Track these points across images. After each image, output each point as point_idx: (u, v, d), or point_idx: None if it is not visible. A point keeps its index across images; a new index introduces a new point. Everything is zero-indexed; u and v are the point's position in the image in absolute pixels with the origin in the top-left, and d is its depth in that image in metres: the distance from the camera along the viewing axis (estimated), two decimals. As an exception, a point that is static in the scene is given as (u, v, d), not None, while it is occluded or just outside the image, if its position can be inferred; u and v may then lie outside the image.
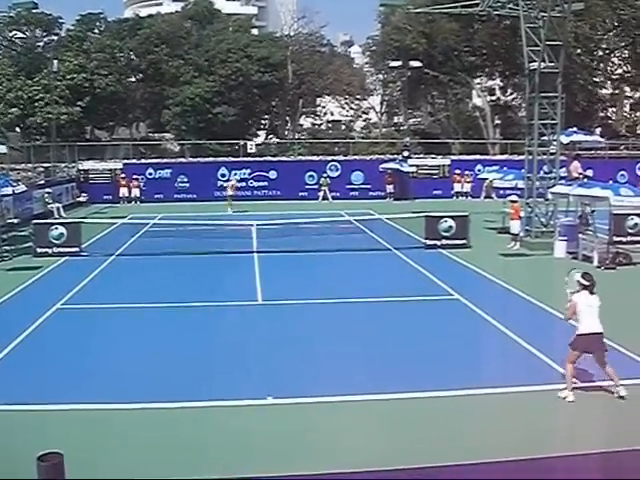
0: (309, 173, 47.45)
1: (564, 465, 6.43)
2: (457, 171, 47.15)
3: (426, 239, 26.86)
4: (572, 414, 11.16)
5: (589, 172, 30.16)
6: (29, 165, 47.02)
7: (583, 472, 6.03)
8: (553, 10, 25.89)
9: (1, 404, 11.28)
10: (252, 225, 28.98)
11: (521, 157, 31.59)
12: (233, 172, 46.94)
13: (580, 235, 24.38)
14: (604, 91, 63.91)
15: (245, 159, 49.29)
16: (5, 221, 30.22)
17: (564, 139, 28.96)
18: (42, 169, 46.40)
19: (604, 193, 22.79)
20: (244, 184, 46.53)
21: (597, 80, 61.39)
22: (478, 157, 49.97)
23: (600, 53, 60.73)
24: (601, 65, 61.56)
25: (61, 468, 4.90)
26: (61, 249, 25.62)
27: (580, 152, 32.33)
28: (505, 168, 35.12)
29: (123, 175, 46.49)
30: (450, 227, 26.81)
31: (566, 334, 15.37)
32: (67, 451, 5.22)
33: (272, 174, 47.35)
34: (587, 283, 11.63)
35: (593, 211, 24.82)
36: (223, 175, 47.02)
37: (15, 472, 8.04)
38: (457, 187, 46.84)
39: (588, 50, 58.32)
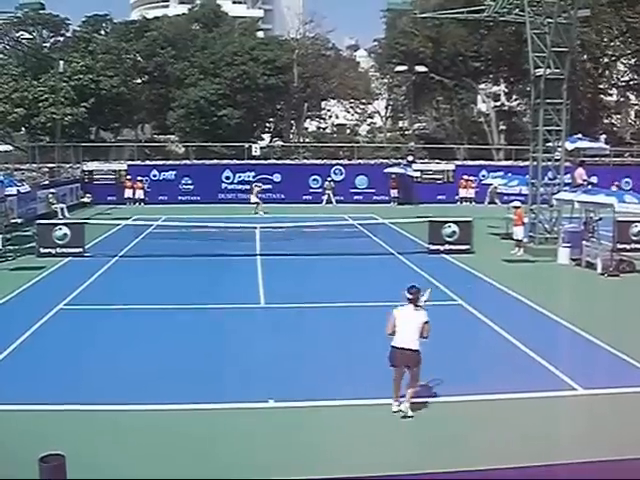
0: (313, 177, 47.48)
1: (565, 472, 6.41)
2: (463, 176, 47.10)
3: (429, 244, 26.84)
4: (576, 420, 11.15)
5: (594, 179, 30.06)
6: (34, 165, 47.11)
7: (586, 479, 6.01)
8: (559, 16, 25.91)
9: (4, 404, 11.29)
10: (255, 228, 28.98)
11: (526, 163, 31.61)
12: (238, 175, 47.01)
13: (584, 242, 24.35)
14: (609, 98, 63.87)
15: (249, 162, 49.29)
16: (9, 221, 30.29)
17: (569, 145, 28.95)
18: (47, 169, 46.46)
19: (608, 200, 22.75)
20: (248, 187, 46.54)
21: (602, 87, 61.34)
22: (482, 163, 49.97)
23: (606, 60, 60.65)
24: (607, 72, 61.48)
25: (63, 469, 4.91)
26: (64, 250, 25.64)
27: (585, 159, 32.29)
28: (509, 174, 35.13)
29: (128, 176, 46.55)
30: (454, 232, 26.79)
31: (569, 341, 15.43)
32: (69, 452, 5.22)
33: (276, 177, 47.35)
34: (410, 297, 11.22)
35: (600, 219, 24.78)
36: (227, 178, 47.09)
37: (17, 473, 8.04)
38: (462, 192, 46.79)
39: (594, 57, 58.28)
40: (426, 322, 11.08)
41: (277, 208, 41.46)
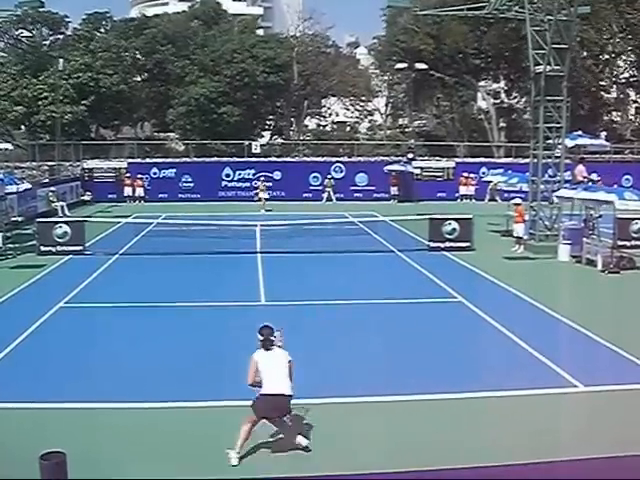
0: (313, 174, 47.48)
1: (565, 469, 6.41)
2: (464, 174, 47.10)
3: (430, 241, 26.84)
4: (577, 417, 11.15)
5: (594, 176, 30.07)
6: (34, 163, 47.10)
7: (587, 476, 6.01)
8: (559, 13, 25.92)
9: (5, 402, 11.30)
10: (256, 226, 28.98)
11: (526, 160, 31.61)
12: (238, 173, 47.07)
13: (584, 239, 24.35)
14: (609, 95, 63.80)
15: (250, 159, 49.27)
16: (9, 219, 30.29)
17: (569, 142, 28.93)
18: (47, 167, 46.49)
19: (609, 197, 22.75)
20: (248, 184, 46.60)
21: (603, 84, 61.30)
22: (483, 160, 49.99)
23: (606, 57, 60.62)
24: (607, 69, 61.45)
25: (64, 467, 4.91)
26: (65, 247, 25.65)
27: (585, 156, 32.29)
28: (510, 171, 35.12)
29: (128, 174, 46.56)
30: (454, 230, 26.79)
31: (570, 338, 15.43)
32: (69, 450, 5.22)
33: (276, 175, 47.35)
34: (261, 338, 9.97)
35: (600, 216, 24.78)
36: (227, 175, 47.12)
37: (18, 471, 8.04)
38: (462, 190, 46.78)
39: (594, 54, 58.26)
40: (290, 361, 9.89)
41: (277, 205, 41.45)
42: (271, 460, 9.54)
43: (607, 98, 63.26)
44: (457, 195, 46.70)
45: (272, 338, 9.94)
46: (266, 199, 41.76)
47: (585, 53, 56.44)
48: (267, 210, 39.93)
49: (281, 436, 9.98)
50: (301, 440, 9.81)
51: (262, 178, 44.45)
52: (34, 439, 9.64)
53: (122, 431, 10.54)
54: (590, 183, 27.03)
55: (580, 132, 31.19)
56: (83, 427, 10.56)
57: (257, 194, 42.73)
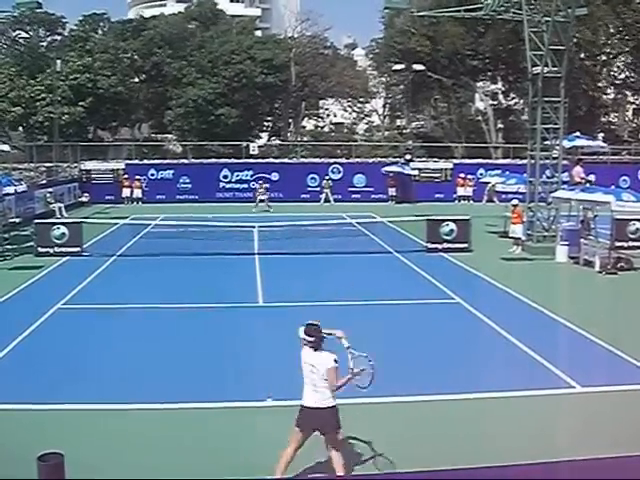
0: (311, 175, 47.51)
1: (562, 470, 6.42)
2: (461, 175, 47.13)
3: (428, 242, 26.85)
4: (574, 418, 11.15)
5: (591, 177, 30.10)
6: (31, 165, 47.09)
7: (584, 476, 6.02)
8: (557, 15, 25.92)
9: (2, 403, 11.28)
10: (254, 227, 28.98)
11: (523, 161, 31.59)
12: (236, 174, 47.14)
13: (582, 240, 24.37)
14: (607, 96, 63.90)
15: (247, 161, 49.31)
16: (7, 220, 30.24)
17: (566, 144, 28.97)
18: (44, 169, 46.46)
19: (606, 198, 22.77)
20: (246, 186, 46.65)
21: (600, 85, 61.39)
22: (480, 161, 50.06)
23: (603, 58, 60.74)
24: (604, 70, 61.56)
25: (61, 468, 4.91)
26: (62, 249, 25.63)
27: (583, 157, 32.32)
28: (507, 172, 35.16)
29: (125, 176, 46.53)
30: (452, 231, 26.80)
31: (568, 339, 15.44)
32: (67, 451, 5.22)
33: (274, 176, 47.35)
34: (310, 339, 8.79)
35: (595, 216, 24.81)
36: (225, 177, 47.11)
37: (15, 472, 8.03)
38: (460, 191, 46.81)
39: (591, 55, 58.37)
40: (330, 368, 8.58)
41: (275, 207, 41.47)
42: (270, 462, 9.53)
43: (604, 99, 63.36)
44: (455, 196, 46.73)
45: (324, 336, 8.84)
46: (261, 200, 42.02)
47: (582, 54, 56.54)
48: (266, 210, 40.14)
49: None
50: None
51: (260, 181, 44.62)
52: (32, 440, 9.63)
53: (120, 433, 10.53)
54: (588, 184, 27.05)
55: (578, 133, 31.24)
56: (81, 428, 10.55)
57: (257, 197, 42.79)
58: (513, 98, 65.57)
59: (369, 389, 8.96)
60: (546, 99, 26.76)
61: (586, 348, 14.58)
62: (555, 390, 12.04)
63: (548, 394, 11.92)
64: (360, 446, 9.90)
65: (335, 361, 8.60)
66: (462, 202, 45.74)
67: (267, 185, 44.29)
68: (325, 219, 31.92)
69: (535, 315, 17.33)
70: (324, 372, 8.52)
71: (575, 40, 45.55)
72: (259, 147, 55.79)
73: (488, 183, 37.66)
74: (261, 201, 41.91)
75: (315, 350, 8.68)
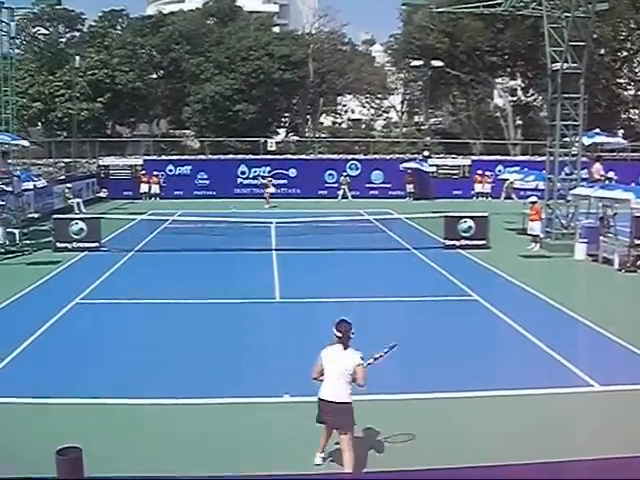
0: (329, 172, 47.47)
1: (581, 469, 6.37)
2: (479, 172, 46.93)
3: (445, 239, 26.77)
4: (592, 417, 11.07)
5: (611, 174, 29.87)
6: (50, 160, 47.38)
7: (602, 476, 5.97)
8: (577, 10, 25.73)
9: (20, 397, 11.35)
10: (271, 223, 29.00)
11: (542, 158, 31.45)
12: (254, 170, 47.18)
13: (601, 237, 24.20)
14: (627, 92, 63.40)
15: (265, 157, 49.37)
16: (26, 215, 30.45)
17: (586, 140, 28.73)
18: (63, 164, 46.75)
19: (626, 195, 22.60)
20: (264, 182, 46.74)
21: (620, 81, 60.94)
22: (499, 158, 49.81)
23: (624, 54, 60.26)
24: (625, 66, 61.07)
25: (80, 462, 4.92)
26: (81, 244, 25.76)
27: (602, 154, 32.10)
28: (526, 169, 34.96)
29: (143, 171, 46.69)
30: (470, 227, 26.70)
31: (586, 337, 15.33)
32: (85, 445, 5.23)
33: (292, 172, 47.39)
34: (339, 335, 9.11)
35: (615, 214, 24.63)
36: (243, 172, 47.17)
37: (34, 466, 8.08)
38: (478, 187, 46.59)
39: (611, 51, 57.90)
40: (359, 365, 8.95)
41: (293, 203, 41.50)
42: (287, 458, 9.53)
43: (625, 95, 62.87)
44: (472, 193, 46.52)
45: (351, 336, 9.16)
46: (271, 194, 42.15)
47: (602, 50, 56.07)
48: (272, 207, 40.03)
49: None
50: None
51: (268, 175, 44.73)
52: (50, 434, 9.67)
53: (137, 427, 10.57)
54: (607, 181, 26.86)
55: (597, 130, 30.99)
56: (98, 422, 10.60)
57: (265, 190, 42.85)
58: (532, 94, 65.20)
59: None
60: (565, 95, 26.57)
61: (605, 346, 14.48)
62: (573, 389, 11.96)
63: (566, 392, 11.84)
64: (375, 442, 9.88)
65: (362, 358, 9.01)
66: (480, 199, 45.54)
67: (274, 180, 44.40)
68: (343, 215, 31.89)
69: (553, 313, 17.23)
70: (350, 369, 8.87)
71: (595, 36, 45.14)
72: (277, 143, 55.80)
73: (506, 180, 37.46)
74: (270, 195, 42.02)
75: (344, 347, 9.03)
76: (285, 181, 47.20)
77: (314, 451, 9.44)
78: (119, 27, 63.23)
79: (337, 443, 9.21)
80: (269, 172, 46.91)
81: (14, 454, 9.35)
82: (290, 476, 8.19)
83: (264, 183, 43.49)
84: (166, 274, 22.22)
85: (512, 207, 34.26)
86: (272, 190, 42.60)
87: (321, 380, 9.12)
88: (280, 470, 8.62)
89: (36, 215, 32.65)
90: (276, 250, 25.73)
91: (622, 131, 58.28)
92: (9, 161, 28.03)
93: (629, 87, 63.30)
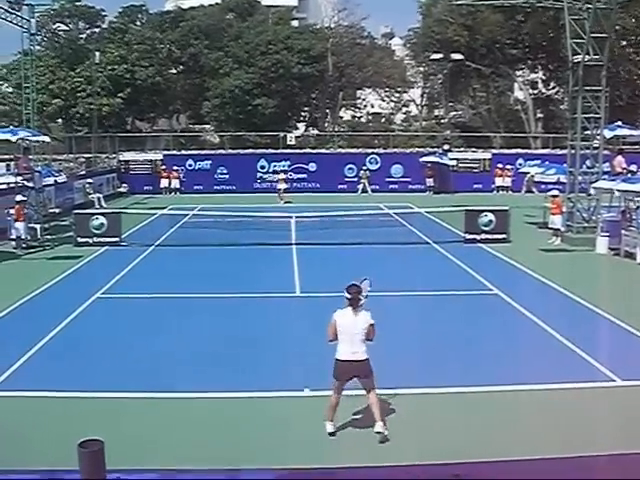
0: (349, 166, 47.42)
1: (602, 464, 6.34)
2: (499, 165, 46.67)
3: (466, 233, 26.68)
4: (614, 412, 11.00)
5: (633, 167, 29.63)
6: (71, 156, 47.68)
7: (623, 471, 5.93)
8: (598, 2, 25.51)
9: (43, 391, 11.45)
10: (291, 217, 29.02)
11: (563, 151, 31.21)
12: (274, 164, 47.22)
13: (623, 231, 24.02)
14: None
15: (285, 151, 49.38)
16: (47, 211, 30.70)
17: (608, 133, 28.54)
18: (83, 160, 47.00)
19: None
20: (284, 176, 46.84)
21: (643, 73, 60.33)
22: (519, 151, 49.55)
23: (646, 45, 59.66)
24: (647, 58, 60.47)
25: (102, 455, 4.95)
26: (101, 239, 25.90)
27: (624, 147, 31.86)
28: (547, 162, 34.76)
29: (163, 166, 46.86)
30: (490, 221, 26.59)
31: (608, 331, 15.24)
32: (106, 438, 5.26)
33: (311, 166, 47.39)
34: (349, 296, 9.96)
35: (638, 207, 24.42)
36: (263, 167, 47.21)
37: (56, 458, 8.14)
38: (499, 181, 46.34)
39: (633, 42, 57.33)
40: (371, 325, 9.97)
41: (312, 197, 41.49)
42: (307, 451, 9.54)
43: (647, 88, 62.26)
44: (493, 187, 46.27)
45: (361, 298, 10.04)
46: (285, 190, 41.99)
47: (624, 42, 55.56)
48: (286, 202, 39.84)
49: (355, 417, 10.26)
50: (382, 428, 9.70)
51: (282, 171, 44.80)
52: (72, 427, 9.75)
53: (159, 419, 10.63)
54: (629, 174, 26.64)
55: (619, 123, 30.76)
56: (120, 416, 10.67)
57: (278, 186, 42.55)
58: (553, 87, 64.72)
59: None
60: (587, 88, 26.38)
61: (627, 341, 14.37)
62: (595, 383, 11.88)
63: (588, 387, 11.77)
64: (394, 436, 9.87)
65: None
66: (501, 192, 45.30)
67: (285, 176, 44.27)
68: (363, 209, 31.86)
69: (574, 307, 17.13)
70: (364, 328, 9.86)
71: (617, 27, 44.74)
72: (296, 137, 55.80)
73: (527, 173, 37.26)
74: (284, 191, 41.78)
75: (354, 309, 9.90)
76: (305, 175, 47.21)
77: (332, 445, 9.45)
78: (138, 23, 63.44)
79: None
80: (289, 166, 47.01)
81: (36, 447, 9.44)
82: (305, 471, 8.23)
83: (279, 179, 43.15)
84: (186, 269, 22.29)
85: (533, 201, 34.08)
86: (284, 186, 42.24)
87: (336, 342, 9.87)
88: (298, 464, 8.64)
89: (57, 210, 32.89)
90: (296, 244, 25.74)
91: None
92: (30, 157, 28.23)
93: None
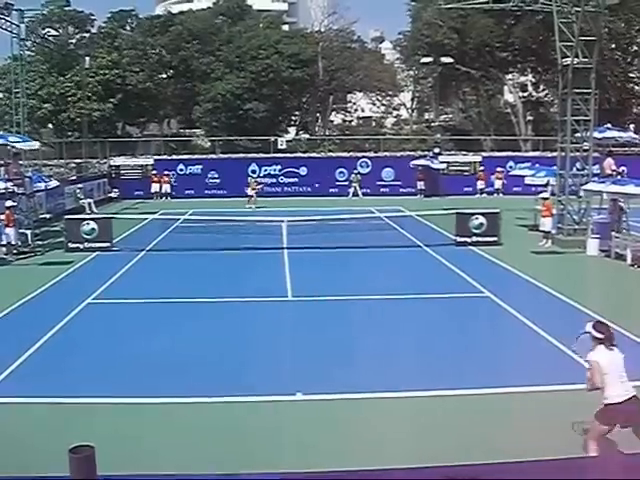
0: (339, 169, 47.48)
1: (596, 466, 6.35)
2: (481, 168, 46.92)
3: (457, 236, 26.73)
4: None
5: (623, 169, 29.70)
6: (61, 161, 47.54)
7: (616, 472, 5.94)
8: (587, 5, 25.60)
9: (34, 397, 11.41)
10: (282, 221, 29.02)
11: (553, 154, 31.31)
12: (264, 169, 47.22)
13: (613, 233, 24.09)
14: (638, 87, 63.05)
15: (275, 155, 49.38)
16: (38, 216, 30.60)
17: (597, 135, 28.60)
18: (74, 165, 46.89)
19: (638, 190, 22.49)
20: (274, 180, 46.82)
21: (632, 76, 60.57)
22: (510, 154, 49.62)
23: (635, 48, 59.88)
24: (635, 60, 60.72)
25: (93, 460, 4.93)
26: (92, 244, 25.85)
27: (614, 149, 31.94)
28: (537, 165, 34.84)
29: (154, 171, 46.79)
30: (481, 224, 26.65)
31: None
32: (97, 443, 5.24)
33: (302, 170, 47.44)
34: (601, 336, 8.95)
35: (621, 209, 24.47)
36: (254, 171, 47.17)
37: (47, 464, 8.11)
38: (480, 184, 46.46)
39: (622, 45, 57.57)
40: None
41: (304, 201, 41.50)
42: (299, 455, 9.53)
43: (636, 90, 62.50)
44: (477, 189, 46.32)
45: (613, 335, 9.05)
46: (251, 196, 40.94)
47: (613, 45, 55.78)
48: (257, 207, 38.97)
49: None
50: None
51: (254, 176, 44.83)
52: (62, 433, 9.71)
53: (149, 425, 10.61)
54: (619, 176, 26.73)
55: (609, 125, 30.84)
56: (110, 421, 10.64)
57: (250, 190, 41.67)
58: (543, 90, 64.90)
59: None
60: (576, 91, 26.47)
61: (618, 342, 14.35)
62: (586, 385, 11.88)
63: (579, 389, 11.77)
64: (386, 439, 9.87)
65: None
66: (482, 195, 45.35)
67: (259, 180, 44.01)
68: (354, 213, 31.88)
69: (566, 309, 17.17)
70: (623, 364, 8.91)
71: (606, 30, 44.99)
72: (287, 142, 55.77)
73: (519, 176, 37.35)
74: (252, 195, 40.90)
75: (609, 347, 8.96)
76: (296, 179, 47.27)
77: (326, 449, 9.44)
78: (128, 27, 63.31)
79: None
80: (280, 170, 47.08)
81: (27, 453, 9.39)
82: (298, 474, 8.22)
83: (250, 185, 42.09)
84: (178, 273, 22.28)
85: (523, 203, 34.16)
86: (253, 192, 41.15)
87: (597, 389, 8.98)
88: (291, 468, 8.64)
89: (48, 216, 32.80)
90: (287, 248, 25.74)
91: (633, 125, 57.95)
92: (20, 162, 28.14)
93: (640, 82, 63.00)
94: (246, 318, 16.86)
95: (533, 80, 65.64)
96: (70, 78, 54.41)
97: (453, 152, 51.29)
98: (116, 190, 46.21)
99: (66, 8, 58.12)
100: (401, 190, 46.75)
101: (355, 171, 46.60)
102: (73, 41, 61.00)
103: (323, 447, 9.78)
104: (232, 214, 31.87)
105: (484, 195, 45.46)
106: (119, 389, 11.84)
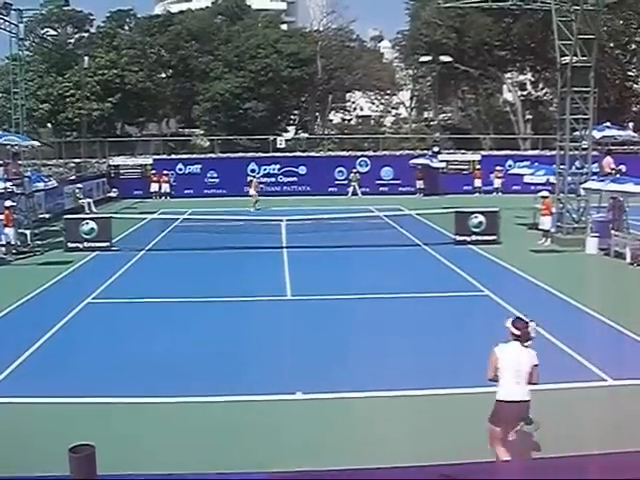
0: (339, 168, 47.47)
1: (595, 464, 6.36)
2: (478, 167, 47.10)
3: (456, 235, 26.73)
4: (605, 411, 11.03)
5: (622, 167, 29.72)
6: (60, 161, 47.48)
7: (615, 470, 5.95)
8: (586, 3, 25.60)
9: (34, 397, 11.41)
10: (282, 220, 29.01)
11: (553, 152, 31.32)
12: (264, 168, 47.21)
13: (612, 231, 24.10)
14: (637, 85, 63.06)
15: (275, 154, 49.37)
16: (37, 216, 30.60)
17: (596, 134, 28.61)
18: (73, 165, 46.85)
19: (637, 189, 22.50)
20: (274, 179, 46.78)
21: (630, 74, 60.59)
22: (509, 152, 49.63)
23: (633, 47, 59.89)
24: (634, 59, 60.73)
25: (93, 460, 4.94)
26: (92, 244, 25.85)
27: (613, 147, 31.97)
28: (536, 163, 34.84)
29: (153, 171, 46.78)
30: (480, 223, 26.65)
31: (599, 331, 15.27)
32: (98, 444, 5.25)
33: (302, 169, 47.43)
34: (517, 332, 8.94)
35: (620, 207, 24.47)
36: (253, 170, 47.15)
37: (47, 464, 8.11)
38: (477, 183, 46.52)
39: (621, 44, 57.57)
40: (535, 365, 8.98)
41: (303, 200, 41.50)
42: (299, 455, 9.53)
43: (635, 89, 62.53)
44: (473, 188, 46.39)
45: (530, 332, 8.98)
46: (255, 194, 40.13)
47: (612, 43, 55.78)
48: (257, 209, 38.30)
49: None
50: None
51: (256, 175, 44.75)
52: (63, 432, 9.71)
53: (150, 424, 10.61)
54: (618, 175, 26.73)
55: (608, 123, 30.85)
56: (110, 421, 10.64)
57: (250, 189, 41.06)
58: (542, 88, 64.90)
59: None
60: (575, 89, 26.46)
61: (618, 341, 14.42)
62: (586, 383, 11.92)
63: (579, 387, 11.80)
64: (386, 438, 9.87)
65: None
66: (477, 194, 45.38)
67: (259, 179, 43.76)
68: (353, 212, 31.88)
69: (565, 307, 17.18)
70: (529, 368, 8.87)
71: (605, 29, 44.96)
72: (286, 141, 55.75)
73: (518, 175, 37.35)
74: (254, 195, 40.12)
75: (522, 345, 8.93)
76: (295, 179, 47.27)
77: (326, 448, 9.44)
78: (127, 27, 63.27)
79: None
80: (279, 170, 47.12)
81: (27, 453, 9.39)
82: (297, 474, 8.24)
83: (252, 183, 41.41)
84: (177, 273, 22.27)
85: (522, 202, 34.16)
86: (255, 192, 40.35)
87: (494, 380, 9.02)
88: (290, 467, 8.65)
89: (47, 215, 32.80)
90: (287, 248, 25.74)
91: (632, 124, 57.96)
92: (20, 162, 28.14)
93: (639, 80, 62.94)
94: (245, 317, 16.87)
95: (532, 79, 65.65)
96: (69, 78, 54.36)
97: (452, 151, 51.26)
98: (115, 190, 46.18)
99: (65, 8, 57.83)
100: (400, 189, 46.76)
101: (354, 170, 46.59)
102: (72, 41, 61.00)
103: (322, 446, 9.78)
104: (231, 213, 31.85)
105: (481, 194, 45.41)
106: (119, 389, 11.84)
